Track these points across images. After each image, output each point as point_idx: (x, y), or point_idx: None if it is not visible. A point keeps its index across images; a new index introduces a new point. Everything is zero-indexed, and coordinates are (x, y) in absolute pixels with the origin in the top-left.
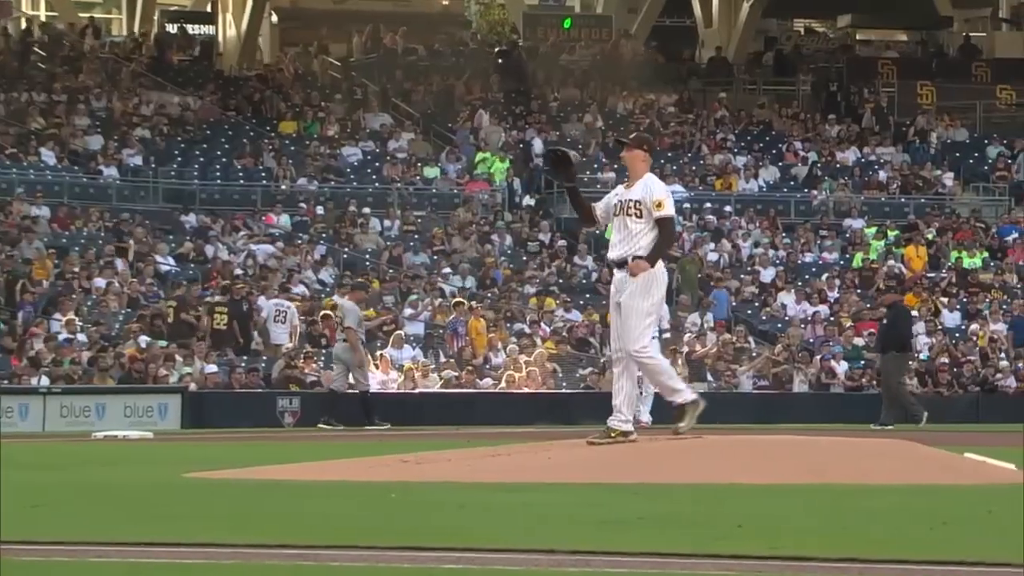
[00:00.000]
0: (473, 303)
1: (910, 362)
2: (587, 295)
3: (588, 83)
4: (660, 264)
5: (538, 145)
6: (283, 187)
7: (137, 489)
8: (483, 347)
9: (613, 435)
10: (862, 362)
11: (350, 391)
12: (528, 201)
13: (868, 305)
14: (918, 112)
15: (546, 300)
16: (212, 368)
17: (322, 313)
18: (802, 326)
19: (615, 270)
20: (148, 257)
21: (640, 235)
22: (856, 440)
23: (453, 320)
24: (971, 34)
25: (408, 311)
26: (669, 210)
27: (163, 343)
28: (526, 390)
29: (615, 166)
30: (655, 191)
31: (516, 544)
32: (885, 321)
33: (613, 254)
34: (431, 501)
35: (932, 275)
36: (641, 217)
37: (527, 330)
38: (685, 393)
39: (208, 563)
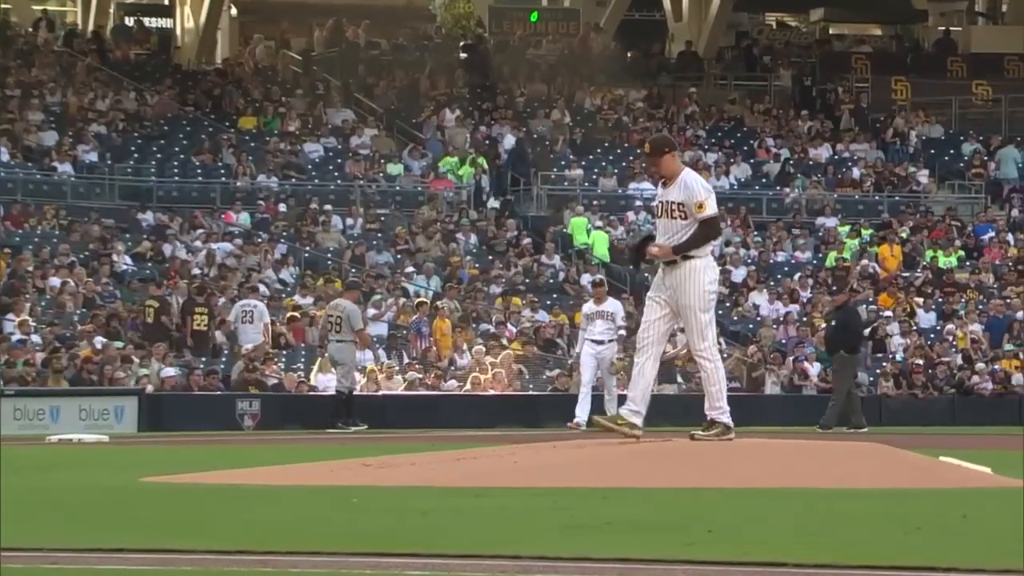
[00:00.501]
0: (439, 303)
1: (860, 365)
2: (554, 295)
3: (555, 78)
4: (708, 259)
5: (508, 141)
6: (243, 184)
7: (92, 494)
8: (448, 348)
9: (620, 424)
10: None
11: (336, 391)
12: (493, 204)
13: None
14: (892, 108)
15: (512, 300)
16: (170, 371)
17: (288, 315)
18: (774, 327)
19: (664, 267)
20: (104, 256)
21: (686, 234)
22: (829, 443)
23: (417, 320)
24: (947, 28)
25: (372, 311)
26: (711, 210)
27: (119, 344)
28: (492, 392)
29: (583, 163)
30: (696, 192)
31: (481, 550)
32: (834, 322)
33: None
34: (394, 506)
35: (907, 275)
36: (686, 218)
37: (493, 331)
38: (726, 416)
39: (165, 570)
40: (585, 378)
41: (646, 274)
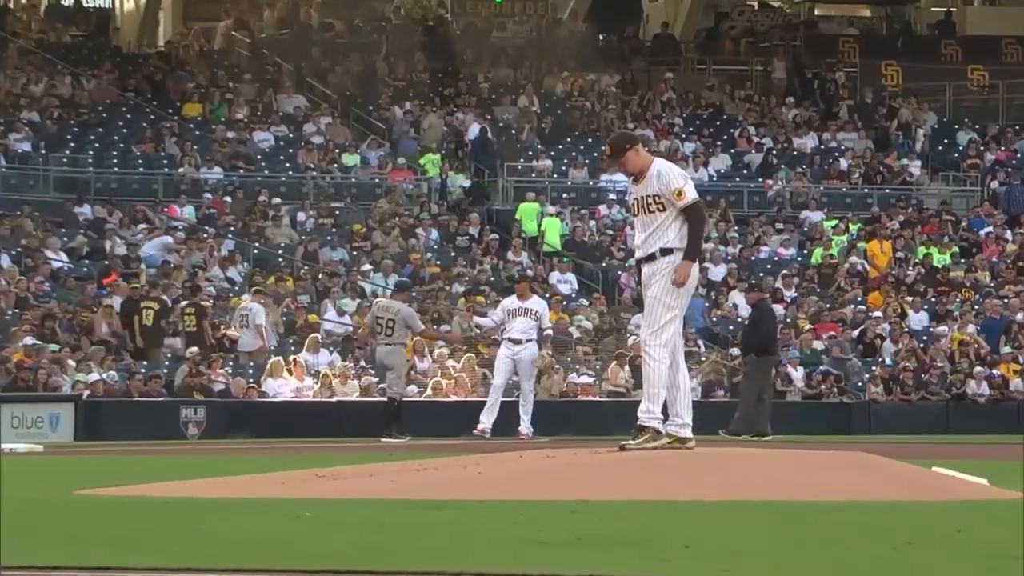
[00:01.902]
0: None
1: (776, 367)
2: None
3: (522, 62)
4: (680, 255)
5: (472, 130)
6: (187, 175)
7: (24, 508)
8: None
9: (671, 439)
10: (821, 367)
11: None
12: (463, 183)
13: (828, 305)
14: (883, 94)
15: (477, 300)
16: (108, 374)
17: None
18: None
19: (643, 266)
20: (38, 253)
21: (666, 227)
22: (813, 453)
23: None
24: (940, 9)
25: (331, 312)
26: (692, 195)
27: (55, 348)
28: (455, 398)
29: (551, 153)
30: (671, 180)
31: (442, 567)
32: (748, 321)
33: (640, 252)
34: (349, 520)
35: (897, 272)
36: (664, 210)
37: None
38: (655, 421)
39: None
40: (498, 380)
41: (619, 272)
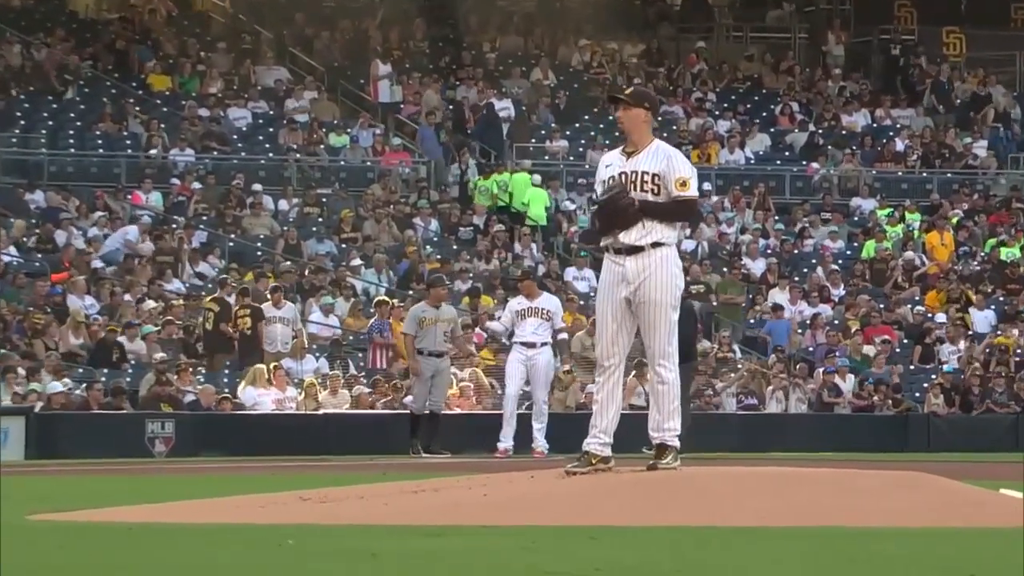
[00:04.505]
0: (394, 302)
1: (697, 374)
2: None
3: (534, 30)
4: (675, 248)
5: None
6: (154, 158)
7: None
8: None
9: (595, 461)
10: (873, 376)
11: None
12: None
13: (881, 305)
14: (943, 65)
15: (482, 299)
16: (59, 386)
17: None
18: (799, 332)
19: (624, 258)
20: None
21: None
22: (863, 472)
23: (378, 323)
24: None
25: (317, 314)
26: (695, 191)
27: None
28: (458, 411)
29: (567, 132)
30: (679, 166)
31: None
32: None
33: (627, 238)
34: (337, 548)
35: (960, 268)
36: (658, 194)
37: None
38: (677, 439)
39: None
40: (510, 389)
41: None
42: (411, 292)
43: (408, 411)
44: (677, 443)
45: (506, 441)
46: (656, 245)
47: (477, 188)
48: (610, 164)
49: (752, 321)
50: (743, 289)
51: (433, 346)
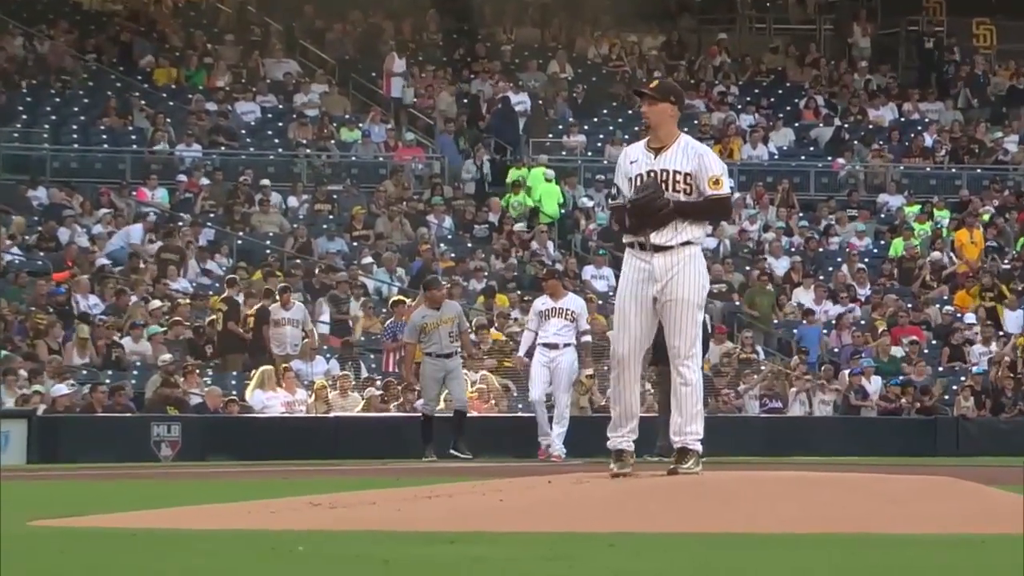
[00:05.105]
0: (409, 301)
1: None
2: None
3: (551, 21)
4: (701, 251)
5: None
6: (159, 153)
7: None
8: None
9: (631, 460)
10: (900, 378)
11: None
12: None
13: (909, 305)
14: (973, 57)
15: (497, 298)
16: (63, 388)
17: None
18: (824, 332)
19: (652, 255)
20: None
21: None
22: (892, 477)
23: (392, 325)
24: None
25: (325, 313)
26: (727, 188)
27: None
28: (473, 414)
29: (585, 127)
30: (711, 164)
31: None
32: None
33: (658, 238)
34: (349, 555)
35: (990, 266)
36: (691, 194)
37: (473, 338)
38: (700, 441)
39: None
40: (534, 394)
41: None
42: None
43: (420, 415)
44: (700, 447)
45: (556, 445)
46: (685, 244)
47: (509, 204)
48: (636, 160)
49: (775, 321)
50: (772, 297)
51: (440, 348)
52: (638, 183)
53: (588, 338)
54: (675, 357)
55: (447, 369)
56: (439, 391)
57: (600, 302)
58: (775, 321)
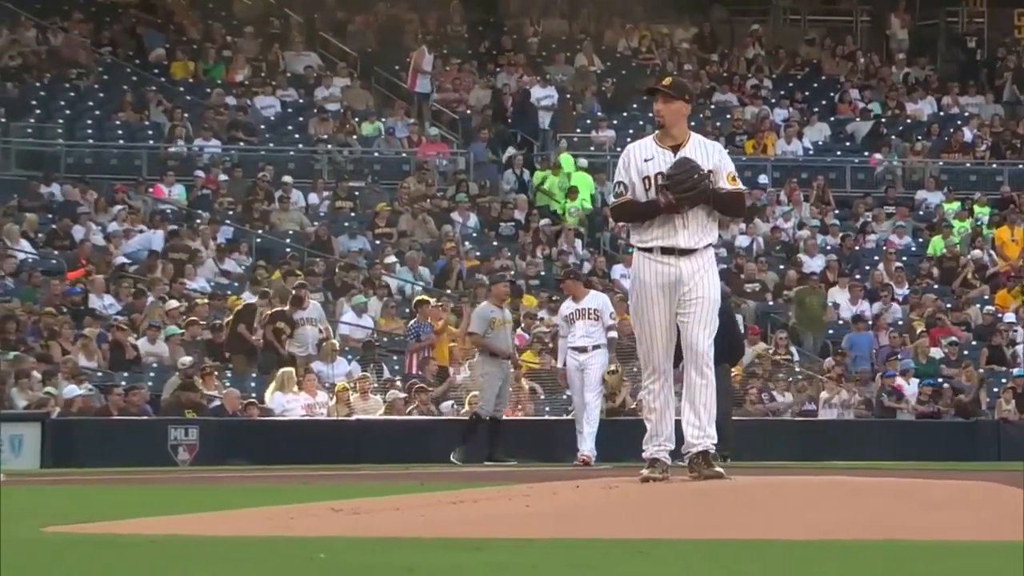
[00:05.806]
0: (433, 301)
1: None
2: None
3: (579, 13)
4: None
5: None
6: (177, 149)
7: None
8: (445, 359)
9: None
10: (940, 380)
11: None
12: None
13: (949, 305)
14: (1015, 49)
15: (524, 299)
16: (77, 389)
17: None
18: (861, 333)
19: (678, 259)
20: None
21: (712, 216)
22: (931, 483)
23: (416, 325)
24: None
25: (349, 314)
26: (742, 184)
27: (10, 355)
28: (504, 418)
29: (614, 121)
30: (727, 161)
31: None
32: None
33: (683, 243)
34: (372, 563)
35: None
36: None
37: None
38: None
39: None
40: (576, 399)
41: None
42: (448, 291)
43: (474, 415)
44: (713, 448)
45: (585, 447)
46: (707, 246)
47: (548, 184)
48: (651, 158)
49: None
50: (823, 297)
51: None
52: (659, 180)
53: (614, 334)
54: (697, 357)
55: (506, 374)
56: (498, 393)
57: (628, 301)
58: (825, 321)
